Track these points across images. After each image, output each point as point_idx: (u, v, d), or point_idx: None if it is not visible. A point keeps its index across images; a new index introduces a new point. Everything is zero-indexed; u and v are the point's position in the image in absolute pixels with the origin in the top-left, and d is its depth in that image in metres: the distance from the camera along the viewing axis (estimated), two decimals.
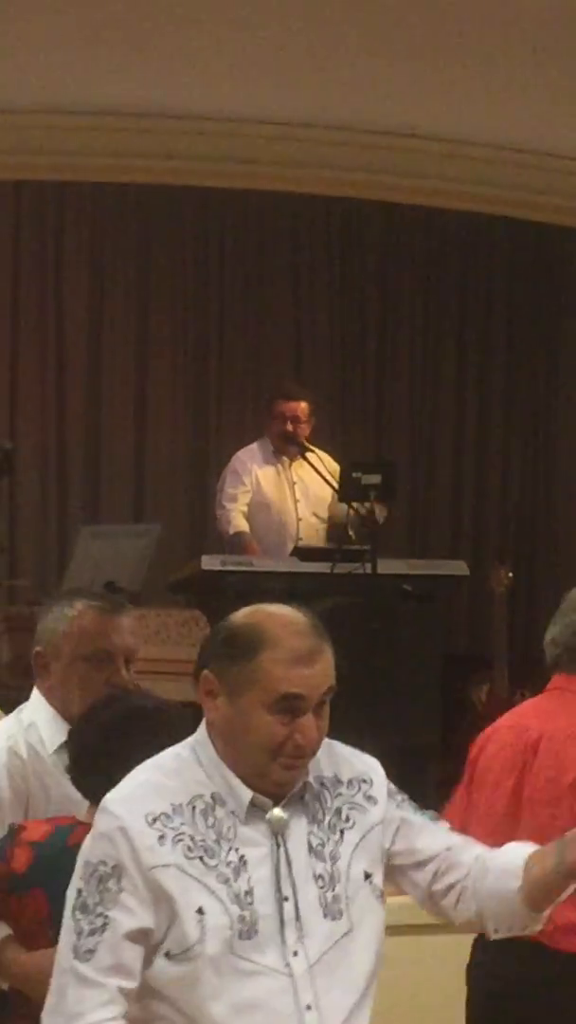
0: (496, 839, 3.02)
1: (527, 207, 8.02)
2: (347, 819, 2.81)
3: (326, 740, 2.81)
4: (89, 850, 2.73)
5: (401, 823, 2.86)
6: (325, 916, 2.73)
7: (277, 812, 2.74)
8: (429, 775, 6.83)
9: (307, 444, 8.03)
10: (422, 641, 7.60)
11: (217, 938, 2.65)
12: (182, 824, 2.70)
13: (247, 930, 2.67)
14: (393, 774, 2.94)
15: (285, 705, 2.69)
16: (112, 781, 3.10)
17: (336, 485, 7.91)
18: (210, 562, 7.64)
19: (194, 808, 2.72)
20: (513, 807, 3.83)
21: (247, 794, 2.73)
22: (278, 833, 2.74)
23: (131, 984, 2.65)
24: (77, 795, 3.29)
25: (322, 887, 2.74)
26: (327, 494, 8.05)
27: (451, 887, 2.85)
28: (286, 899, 2.71)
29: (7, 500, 9.62)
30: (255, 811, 2.73)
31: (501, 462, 10.61)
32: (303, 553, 7.75)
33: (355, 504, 7.49)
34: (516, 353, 10.62)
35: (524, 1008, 3.79)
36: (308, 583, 7.44)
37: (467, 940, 3.82)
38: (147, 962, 2.66)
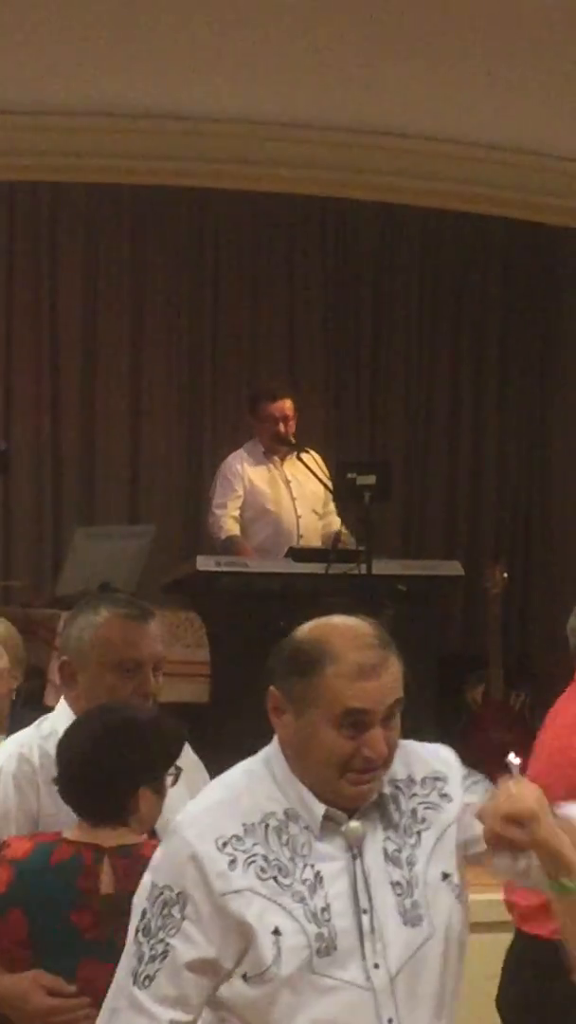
0: None
1: (523, 208, 8.02)
2: (422, 820, 2.76)
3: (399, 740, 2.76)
4: (156, 870, 2.69)
5: (468, 809, 2.77)
6: (404, 924, 2.68)
7: (353, 824, 2.70)
8: None
9: (296, 442, 8.05)
10: (417, 642, 7.58)
11: (294, 958, 2.61)
12: (254, 845, 2.66)
13: (326, 947, 2.62)
14: None
15: (350, 720, 2.66)
16: (101, 794, 3.05)
17: (328, 482, 7.93)
18: (205, 563, 7.64)
19: (267, 827, 2.68)
20: None
21: (320, 809, 2.69)
22: (354, 845, 2.69)
23: (187, 1017, 2.63)
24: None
25: (400, 894, 2.69)
26: (320, 489, 8.07)
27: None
28: (365, 911, 2.66)
29: (1, 501, 9.62)
30: (330, 825, 2.69)
31: (496, 463, 10.61)
32: (298, 554, 7.75)
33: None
34: (511, 353, 10.62)
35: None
36: (303, 584, 7.44)
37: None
38: (222, 986, 2.63)
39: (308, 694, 2.67)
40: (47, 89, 6.96)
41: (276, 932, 2.61)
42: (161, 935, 2.62)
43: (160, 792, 3.20)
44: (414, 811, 2.76)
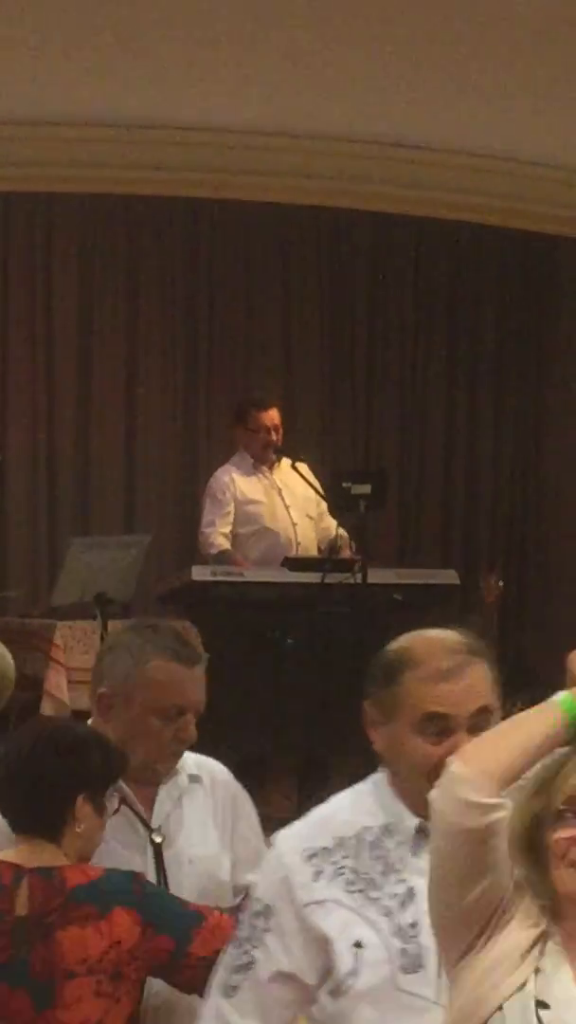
0: None
1: (516, 216, 8.04)
2: None
3: None
4: (255, 884, 2.69)
5: None
6: None
7: None
8: None
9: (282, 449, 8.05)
10: None
11: (374, 972, 2.56)
12: (344, 858, 2.62)
13: (411, 964, 2.56)
14: None
15: (431, 725, 2.61)
16: (36, 800, 2.97)
17: (318, 488, 7.92)
18: (200, 572, 7.64)
19: (361, 841, 2.64)
20: None
21: (413, 822, 2.63)
22: None
23: None
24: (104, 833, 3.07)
25: None
26: (311, 493, 8.05)
27: None
28: None
29: None
30: (425, 839, 2.56)
31: (491, 471, 10.61)
32: (293, 563, 7.74)
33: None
34: (506, 361, 10.62)
35: None
36: (298, 593, 7.43)
37: None
38: (310, 1002, 2.60)
39: (392, 702, 2.65)
40: (42, 101, 6.99)
41: (358, 945, 2.58)
42: (247, 946, 2.62)
43: (100, 811, 3.04)
44: None
